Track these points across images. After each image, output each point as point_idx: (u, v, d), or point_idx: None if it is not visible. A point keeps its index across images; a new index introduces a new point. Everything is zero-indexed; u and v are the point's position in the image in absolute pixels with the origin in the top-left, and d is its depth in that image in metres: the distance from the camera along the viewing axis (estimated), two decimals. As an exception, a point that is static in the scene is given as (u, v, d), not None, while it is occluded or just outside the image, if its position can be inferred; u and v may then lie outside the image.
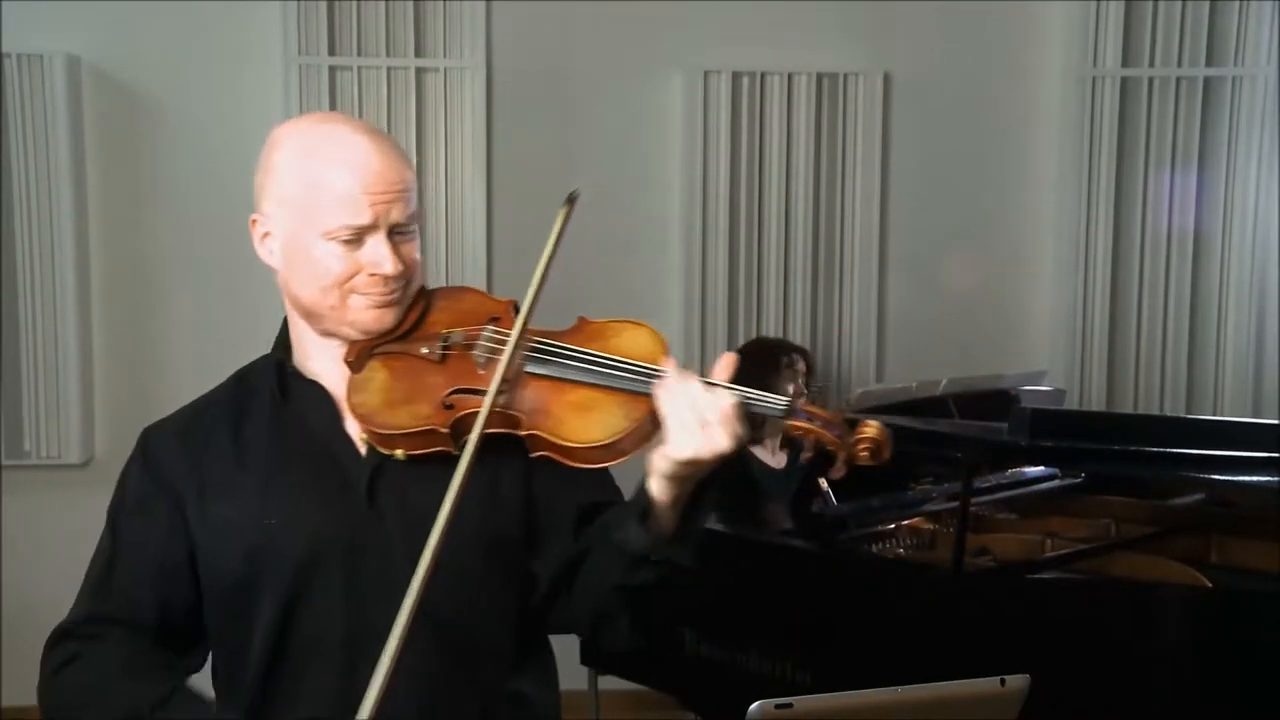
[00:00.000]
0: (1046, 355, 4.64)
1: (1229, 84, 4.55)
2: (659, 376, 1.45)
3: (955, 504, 3.02)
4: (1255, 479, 2.96)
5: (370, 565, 1.52)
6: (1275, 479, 2.92)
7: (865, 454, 1.43)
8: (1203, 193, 4.60)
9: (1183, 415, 4.57)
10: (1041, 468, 3.46)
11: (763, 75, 4.41)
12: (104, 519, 1.61)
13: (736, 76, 4.40)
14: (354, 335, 1.56)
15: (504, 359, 1.49)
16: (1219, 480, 3.07)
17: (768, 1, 4.39)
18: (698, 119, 4.38)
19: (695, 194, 4.41)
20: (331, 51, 4.20)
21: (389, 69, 4.23)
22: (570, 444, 1.47)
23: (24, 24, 4.07)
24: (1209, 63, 4.54)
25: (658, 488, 1.44)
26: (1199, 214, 4.60)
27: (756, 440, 3.67)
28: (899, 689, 1.63)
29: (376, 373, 1.55)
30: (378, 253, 1.50)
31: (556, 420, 1.48)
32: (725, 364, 1.46)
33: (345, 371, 1.57)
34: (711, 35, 4.41)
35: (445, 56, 4.27)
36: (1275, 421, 4.22)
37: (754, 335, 4.43)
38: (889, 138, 4.54)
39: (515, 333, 1.50)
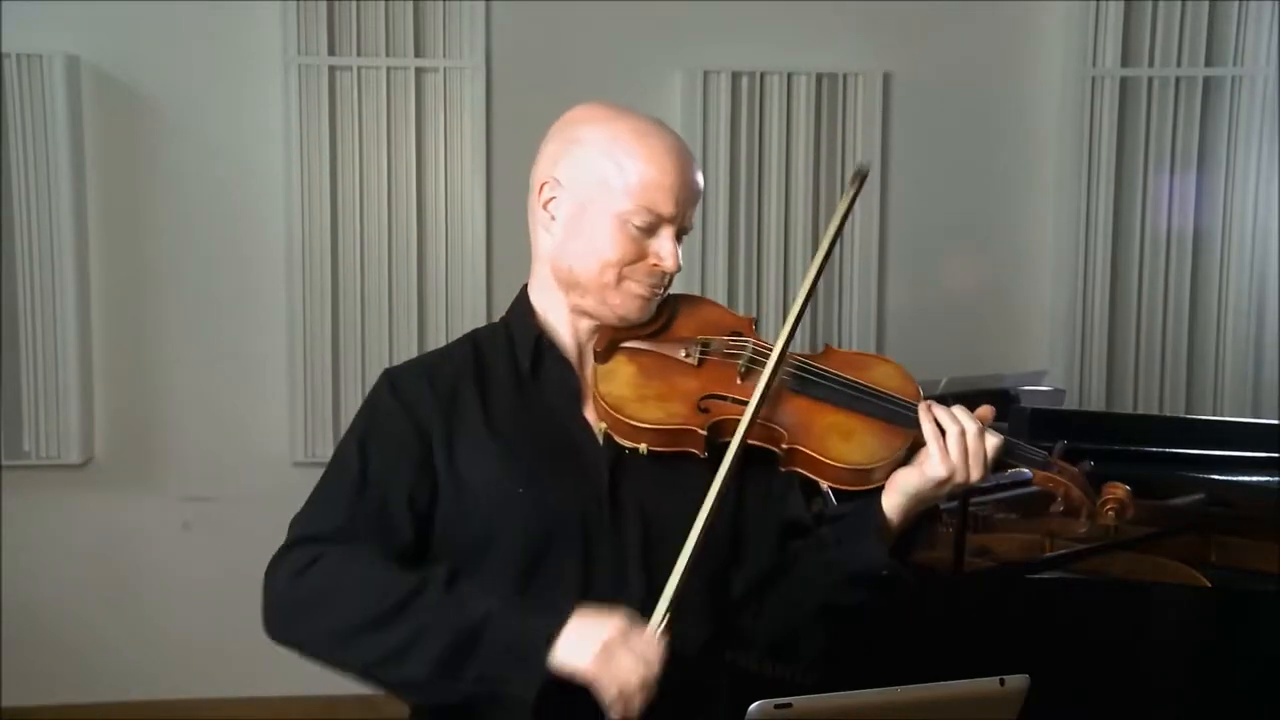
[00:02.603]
0: (1046, 355, 4.64)
1: (1229, 84, 4.55)
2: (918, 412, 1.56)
3: (955, 504, 3.01)
4: (1255, 479, 2.96)
5: (604, 555, 1.53)
6: (1275, 479, 2.92)
7: (1111, 514, 1.54)
8: (1202, 193, 4.59)
9: (1182, 415, 4.57)
10: (1041, 468, 3.45)
11: (762, 75, 4.41)
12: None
13: (736, 76, 4.40)
14: (611, 319, 1.59)
15: (766, 372, 1.55)
16: (1219, 480, 3.07)
17: (768, 1, 4.39)
18: (698, 119, 4.38)
19: (695, 194, 4.40)
20: (331, 51, 4.20)
21: (389, 69, 4.22)
22: (832, 463, 1.55)
23: (24, 24, 4.06)
24: (1209, 63, 4.53)
25: (893, 505, 1.53)
26: (1199, 214, 4.60)
27: None
28: (899, 689, 1.63)
29: (624, 366, 1.59)
30: (665, 247, 1.57)
31: (820, 439, 1.56)
32: (985, 413, 1.57)
33: (586, 355, 1.61)
34: (711, 35, 4.41)
35: (445, 56, 4.27)
36: (1275, 421, 4.21)
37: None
38: (889, 138, 4.54)
39: (779, 348, 1.57)
